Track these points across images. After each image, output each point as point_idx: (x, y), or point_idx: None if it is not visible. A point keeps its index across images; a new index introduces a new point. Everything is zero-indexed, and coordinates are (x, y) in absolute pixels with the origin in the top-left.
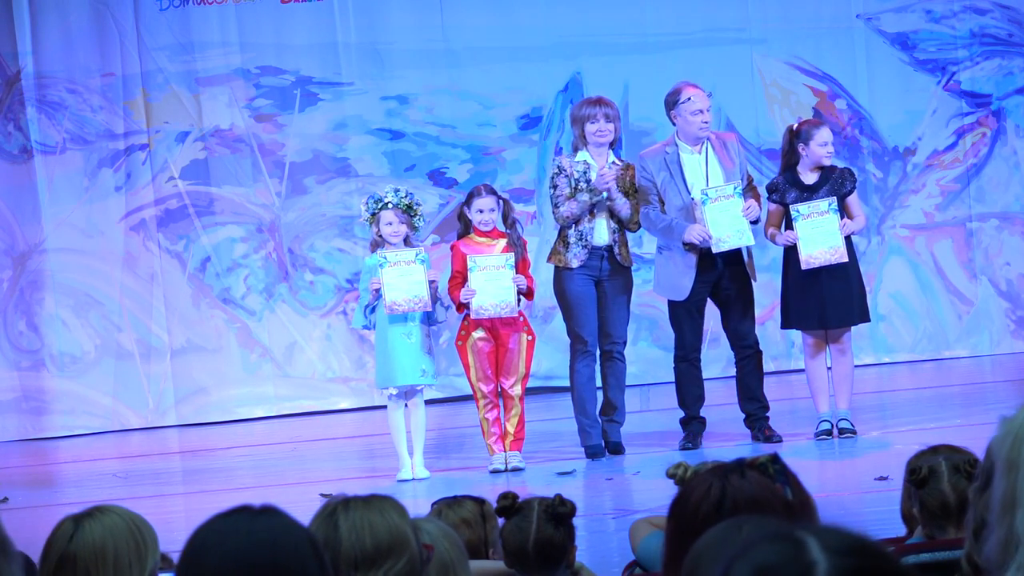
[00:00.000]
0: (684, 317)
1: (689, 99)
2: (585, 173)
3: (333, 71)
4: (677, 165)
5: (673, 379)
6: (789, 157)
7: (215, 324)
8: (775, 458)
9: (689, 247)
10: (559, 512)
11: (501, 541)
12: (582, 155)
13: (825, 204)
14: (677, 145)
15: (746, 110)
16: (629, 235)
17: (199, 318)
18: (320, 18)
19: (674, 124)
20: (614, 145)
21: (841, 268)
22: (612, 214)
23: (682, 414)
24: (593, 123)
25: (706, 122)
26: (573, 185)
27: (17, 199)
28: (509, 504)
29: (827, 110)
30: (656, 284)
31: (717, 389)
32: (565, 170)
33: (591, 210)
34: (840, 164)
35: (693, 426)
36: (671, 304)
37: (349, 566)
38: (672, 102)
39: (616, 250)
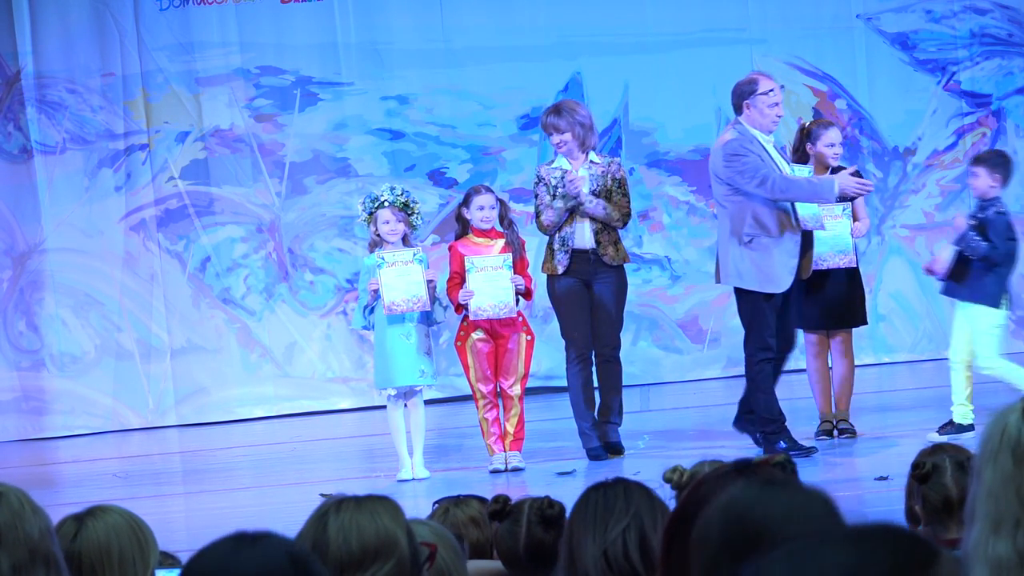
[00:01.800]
0: (769, 310)
1: (771, 91)
2: (562, 179)
3: (333, 71)
4: (762, 148)
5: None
6: (799, 155)
7: (215, 324)
8: (789, 457)
9: (794, 229)
10: (548, 515)
11: (495, 544)
12: (559, 161)
13: (839, 208)
14: (750, 132)
15: None
16: (626, 234)
17: (199, 318)
18: (320, 18)
19: (740, 112)
20: (586, 147)
21: (845, 269)
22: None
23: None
24: (549, 136)
25: (780, 116)
26: (552, 193)
27: (17, 199)
28: (500, 508)
29: (827, 110)
30: (738, 277)
31: (717, 389)
32: (544, 179)
33: (571, 214)
34: (847, 166)
35: (787, 431)
36: (751, 296)
37: (335, 568)
38: (749, 91)
39: (600, 251)
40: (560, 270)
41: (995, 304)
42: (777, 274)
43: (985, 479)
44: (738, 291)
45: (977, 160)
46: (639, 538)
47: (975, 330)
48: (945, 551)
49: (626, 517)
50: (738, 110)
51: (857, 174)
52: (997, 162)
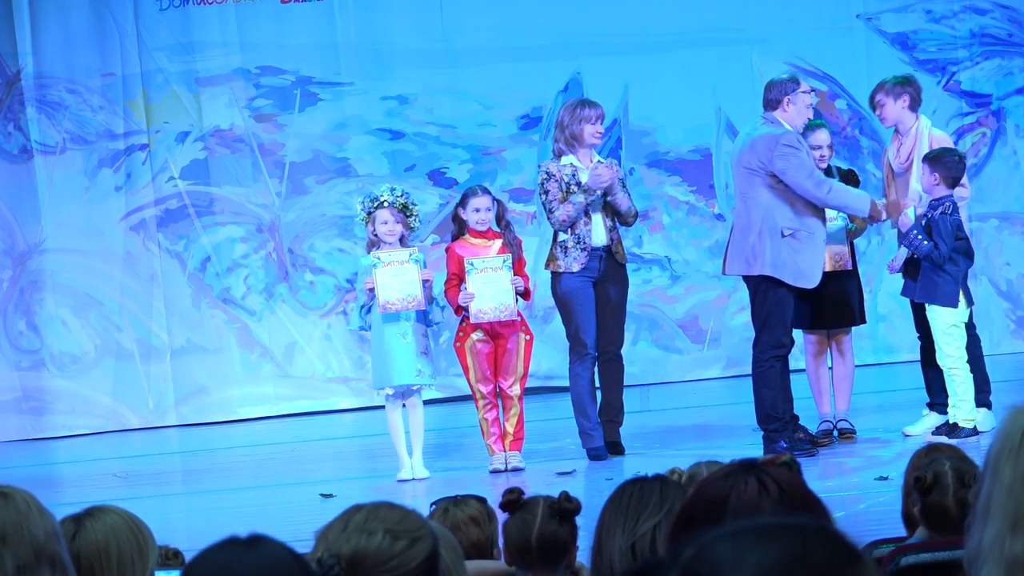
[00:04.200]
0: (791, 307)
1: (811, 91)
2: (574, 176)
3: (333, 71)
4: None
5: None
6: None
7: (215, 324)
8: (794, 457)
9: (823, 225)
10: (565, 508)
11: (503, 536)
12: (567, 159)
13: (834, 211)
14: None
15: (746, 110)
16: (626, 234)
17: (199, 318)
18: (320, 18)
19: (775, 108)
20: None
21: (844, 269)
22: (608, 213)
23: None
24: (593, 124)
25: (810, 116)
26: (564, 189)
27: (17, 199)
28: (515, 499)
29: (827, 110)
30: (773, 267)
31: (717, 389)
32: (554, 175)
33: (586, 211)
34: (844, 165)
35: (793, 427)
36: (778, 291)
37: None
38: (793, 88)
39: (613, 249)
40: (577, 268)
41: (952, 303)
42: (812, 269)
43: (1004, 477)
44: (761, 285)
45: (924, 157)
46: None
47: (934, 329)
48: (867, 554)
49: (659, 514)
50: (775, 106)
51: (852, 173)
52: (938, 160)
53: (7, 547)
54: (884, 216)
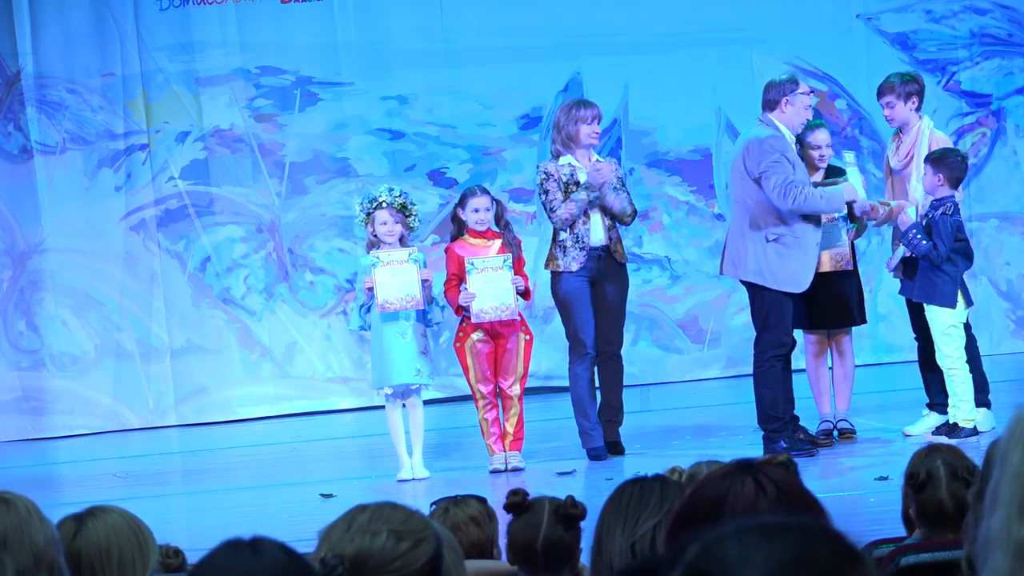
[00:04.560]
0: (789, 308)
1: (810, 92)
2: (572, 175)
3: (333, 71)
4: (792, 151)
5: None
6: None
7: (215, 324)
8: (791, 457)
9: (816, 226)
10: (570, 513)
11: (508, 538)
12: (565, 159)
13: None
14: (783, 130)
15: (746, 110)
16: (626, 233)
17: (199, 318)
18: (320, 18)
19: (773, 109)
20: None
21: (844, 269)
22: (606, 212)
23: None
24: (589, 124)
25: (809, 118)
26: (563, 188)
27: (17, 199)
28: (520, 501)
29: (827, 110)
30: (758, 274)
31: (717, 389)
32: (552, 175)
33: (585, 211)
34: (843, 165)
35: (793, 428)
36: (774, 292)
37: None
38: (791, 89)
39: (612, 248)
40: (576, 267)
41: (950, 304)
42: (800, 273)
43: (1012, 463)
44: (757, 288)
45: (927, 158)
46: None
47: (933, 329)
48: (867, 555)
49: (659, 514)
50: (772, 106)
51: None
52: (941, 161)
53: (8, 552)
54: (878, 216)
